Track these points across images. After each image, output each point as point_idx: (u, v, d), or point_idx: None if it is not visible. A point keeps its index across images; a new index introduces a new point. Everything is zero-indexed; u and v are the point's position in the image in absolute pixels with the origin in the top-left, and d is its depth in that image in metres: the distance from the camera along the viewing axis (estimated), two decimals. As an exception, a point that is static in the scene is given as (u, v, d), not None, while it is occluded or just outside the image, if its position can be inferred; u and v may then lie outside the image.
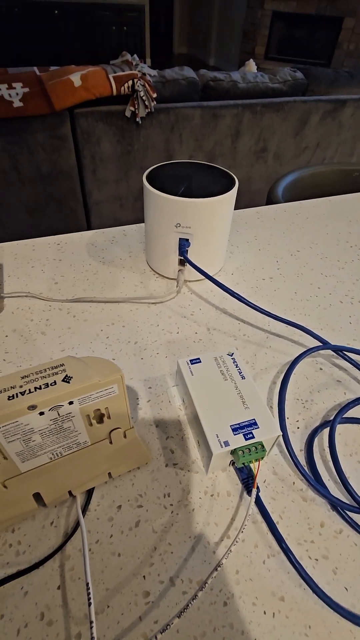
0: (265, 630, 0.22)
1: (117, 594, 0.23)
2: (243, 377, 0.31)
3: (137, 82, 1.34)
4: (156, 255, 0.46)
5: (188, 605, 0.22)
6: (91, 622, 0.20)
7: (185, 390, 0.31)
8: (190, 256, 0.43)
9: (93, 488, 0.27)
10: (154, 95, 1.41)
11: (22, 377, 0.21)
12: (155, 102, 1.45)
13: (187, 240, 0.42)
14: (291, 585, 0.24)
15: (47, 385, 0.21)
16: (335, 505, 0.27)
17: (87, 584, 0.21)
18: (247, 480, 0.27)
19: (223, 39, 5.46)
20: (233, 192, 0.41)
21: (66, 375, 0.21)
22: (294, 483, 0.29)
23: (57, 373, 0.22)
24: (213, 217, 0.41)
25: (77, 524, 0.26)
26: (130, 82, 1.35)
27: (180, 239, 0.42)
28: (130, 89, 1.36)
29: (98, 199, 1.70)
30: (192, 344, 0.39)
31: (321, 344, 0.36)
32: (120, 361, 0.37)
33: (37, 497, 0.25)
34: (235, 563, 0.25)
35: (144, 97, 1.37)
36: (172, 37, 6.37)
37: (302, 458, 0.30)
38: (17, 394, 0.20)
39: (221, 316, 0.43)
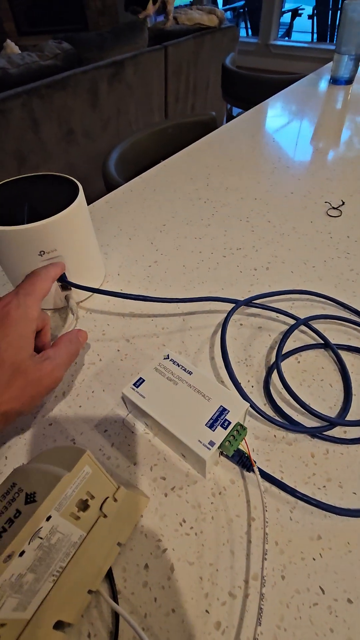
0: (322, 574, 0.24)
1: (194, 647, 0.22)
2: (190, 373, 0.30)
3: None
4: (32, 292, 0.40)
5: (261, 609, 0.22)
6: None
7: (143, 414, 0.29)
8: (70, 277, 0.39)
9: (110, 570, 0.24)
10: None
11: (-25, 529, 0.17)
12: None
13: (60, 263, 0.37)
14: (319, 521, 0.26)
15: (10, 520, 0.17)
16: (313, 433, 0.30)
17: (167, 669, 0.20)
18: (241, 459, 0.28)
19: None
20: (82, 195, 0.37)
21: (27, 494, 0.17)
22: (275, 436, 0.31)
23: (14, 498, 0.17)
24: (75, 229, 0.37)
25: (117, 616, 0.23)
26: None
27: (51, 265, 0.37)
28: None
29: None
30: (120, 364, 0.37)
31: (234, 304, 0.38)
32: (60, 422, 0.32)
33: (59, 623, 0.21)
34: (272, 535, 0.26)
35: None
36: None
37: (269, 410, 0.33)
38: (-19, 555, 0.16)
39: (132, 321, 0.41)
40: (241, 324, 0.40)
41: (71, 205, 0.35)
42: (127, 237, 0.52)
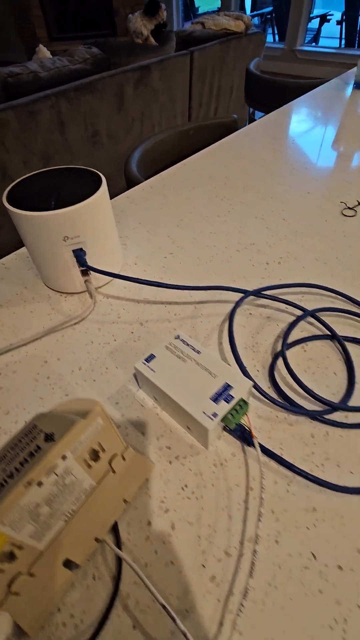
0: (315, 542, 0.25)
1: (189, 595, 0.24)
2: (198, 352, 0.32)
3: None
4: (55, 276, 0.43)
5: (253, 563, 0.24)
6: (184, 633, 0.20)
7: (153, 388, 0.31)
8: (90, 263, 0.42)
9: (116, 523, 0.26)
10: None
11: None
12: None
13: (81, 249, 0.40)
14: (314, 495, 0.28)
15: (31, 454, 0.19)
16: (313, 415, 0.32)
17: (162, 605, 0.21)
18: (242, 434, 0.30)
19: (-3, 28, 4.98)
20: (104, 186, 0.40)
21: (46, 434, 0.20)
22: (277, 416, 0.32)
23: (34, 437, 0.20)
24: (98, 217, 0.40)
25: (120, 562, 0.25)
26: None
27: (73, 251, 0.40)
28: None
29: None
30: (133, 344, 0.39)
31: (243, 294, 0.40)
32: (75, 393, 0.35)
33: (67, 562, 0.24)
34: (268, 504, 0.27)
35: None
36: None
37: (272, 393, 0.34)
38: (4, 479, 0.18)
39: (146, 307, 0.43)
40: (250, 314, 0.41)
41: (95, 194, 0.38)
42: (145, 231, 0.55)
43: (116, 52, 2.02)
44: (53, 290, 0.46)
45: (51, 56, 2.04)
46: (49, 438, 0.19)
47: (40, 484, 0.19)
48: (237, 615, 0.22)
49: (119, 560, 0.25)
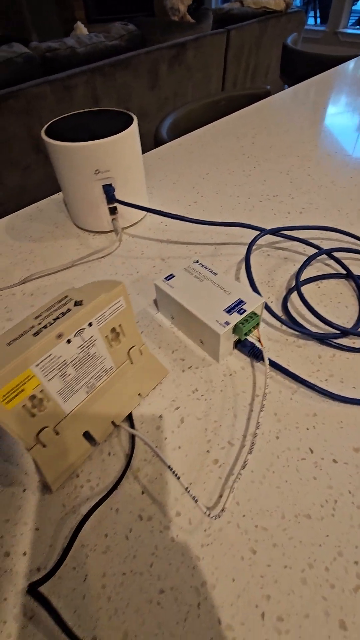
0: (313, 440, 0.27)
1: (193, 473, 0.26)
2: (215, 274, 0.34)
3: (-30, 68, 1.21)
4: (84, 213, 0.46)
5: (253, 443, 0.26)
6: (186, 488, 0.23)
7: (171, 303, 0.33)
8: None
9: (131, 414, 0.29)
10: (-5, 79, 1.28)
11: (35, 318, 0.22)
12: (-1, 87, 1.32)
13: (111, 185, 0.43)
14: (316, 404, 0.29)
15: (62, 314, 0.22)
16: (322, 338, 0.33)
17: (169, 467, 0.24)
18: (252, 351, 0.31)
19: (37, 10, 5.05)
20: (135, 124, 0.42)
21: (75, 301, 0.22)
22: (287, 339, 0.34)
23: (65, 303, 0.22)
24: (127, 154, 0.42)
25: (133, 443, 0.28)
26: None
27: (103, 186, 0.42)
28: (-35, 78, 1.22)
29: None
30: (154, 276, 0.41)
31: (260, 232, 0.41)
32: (99, 312, 0.38)
33: (87, 436, 0.27)
34: (272, 408, 0.29)
35: (-15, 84, 1.24)
36: (-21, 20, 5.68)
37: (285, 318, 0.36)
38: (39, 329, 0.21)
39: (168, 246, 0.45)
40: (268, 255, 0.43)
41: (126, 130, 0.40)
42: (171, 182, 0.57)
43: (152, 30, 2.02)
44: (82, 229, 0.49)
45: (88, 33, 2.06)
46: (78, 304, 0.22)
47: (69, 341, 0.22)
48: (234, 485, 0.24)
49: (133, 443, 0.28)
